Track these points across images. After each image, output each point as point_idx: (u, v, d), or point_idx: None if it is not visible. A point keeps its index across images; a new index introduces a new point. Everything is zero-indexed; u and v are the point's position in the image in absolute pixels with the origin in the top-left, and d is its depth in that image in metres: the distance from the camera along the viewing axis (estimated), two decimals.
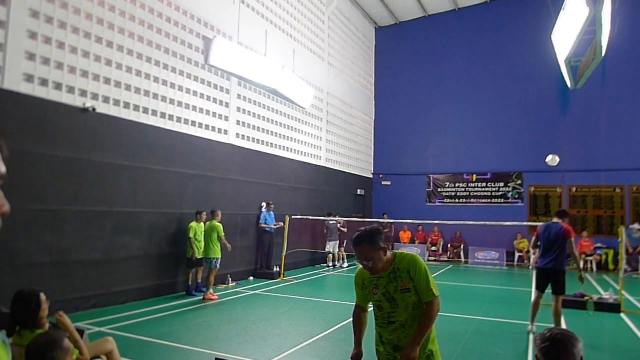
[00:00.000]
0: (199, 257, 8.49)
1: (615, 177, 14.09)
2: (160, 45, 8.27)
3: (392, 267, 2.45)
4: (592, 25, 7.20)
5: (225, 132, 10.00)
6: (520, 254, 14.73)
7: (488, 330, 6.47)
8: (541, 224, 6.63)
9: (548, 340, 1.81)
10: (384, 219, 15.73)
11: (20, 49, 6.06)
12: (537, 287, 6.29)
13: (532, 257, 14.14)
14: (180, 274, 8.68)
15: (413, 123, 17.29)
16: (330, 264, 13.36)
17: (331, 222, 13.09)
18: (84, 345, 3.12)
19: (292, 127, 12.67)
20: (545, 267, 6.11)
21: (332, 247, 13.22)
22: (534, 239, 6.51)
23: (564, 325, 6.63)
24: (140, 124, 7.85)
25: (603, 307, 7.71)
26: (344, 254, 13.78)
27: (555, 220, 6.32)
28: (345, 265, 13.58)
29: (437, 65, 17.06)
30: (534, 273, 6.54)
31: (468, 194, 16.30)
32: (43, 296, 2.97)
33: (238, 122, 10.43)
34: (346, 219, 13.59)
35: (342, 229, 13.39)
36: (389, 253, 2.47)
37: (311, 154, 13.68)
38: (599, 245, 13.86)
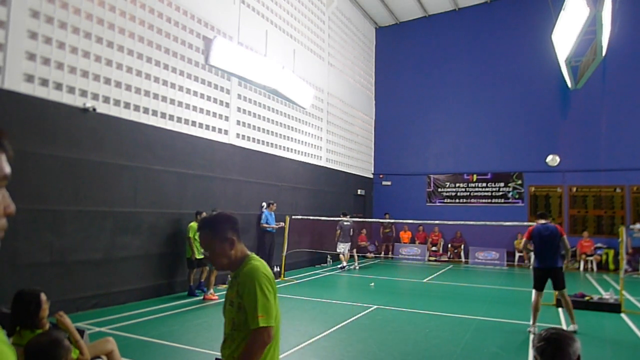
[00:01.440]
0: (198, 257, 8.48)
1: (615, 177, 14.08)
2: (160, 45, 8.27)
3: (238, 270, 2.07)
4: (592, 25, 7.20)
5: (226, 132, 10.00)
6: (521, 254, 14.73)
7: (488, 330, 6.46)
8: (532, 224, 6.82)
9: (543, 340, 1.84)
10: (385, 218, 15.71)
11: (20, 49, 6.06)
12: (537, 288, 6.45)
13: (533, 257, 14.16)
14: (180, 274, 8.68)
15: (413, 123, 17.29)
16: (345, 264, 12.80)
17: (345, 223, 12.68)
18: (84, 345, 3.12)
19: (292, 127, 12.67)
20: (546, 266, 6.40)
21: (344, 248, 12.73)
22: (525, 240, 6.72)
23: (563, 325, 6.64)
24: (140, 124, 7.85)
25: (603, 307, 7.71)
26: (355, 254, 13.48)
27: (542, 221, 6.64)
28: (343, 265, 13.06)
29: (437, 65, 17.06)
30: (532, 273, 6.64)
31: (468, 194, 16.30)
32: (43, 296, 2.98)
33: (238, 122, 10.43)
34: (354, 219, 13.30)
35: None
36: (240, 251, 2.09)
37: (311, 154, 13.67)
38: (599, 245, 13.85)
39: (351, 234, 12.95)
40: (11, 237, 5.82)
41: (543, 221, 6.64)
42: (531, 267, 7.10)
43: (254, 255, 2.13)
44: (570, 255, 6.73)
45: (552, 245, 6.39)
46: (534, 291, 6.50)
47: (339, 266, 13.03)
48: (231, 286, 2.08)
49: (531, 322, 6.35)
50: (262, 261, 2.11)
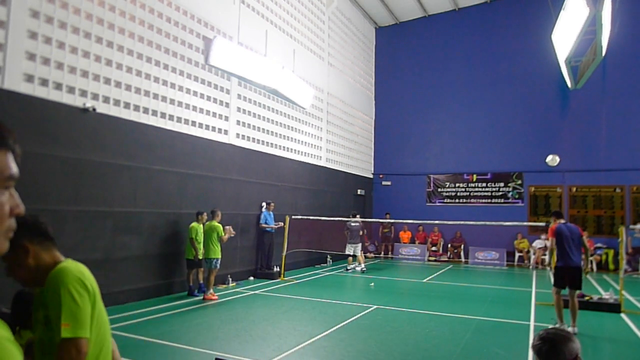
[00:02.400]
0: (200, 258, 8.48)
1: (615, 177, 14.09)
2: (160, 45, 8.27)
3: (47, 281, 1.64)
4: (592, 25, 7.21)
5: (225, 132, 10.00)
6: (520, 254, 14.73)
7: (488, 330, 6.47)
8: (552, 224, 6.81)
9: (540, 339, 1.89)
10: (386, 218, 15.72)
11: (20, 49, 6.06)
12: (561, 285, 6.48)
13: (533, 257, 14.18)
14: (180, 274, 8.67)
15: (413, 123, 17.29)
16: (350, 267, 12.61)
17: (353, 224, 12.52)
18: None
19: (292, 127, 12.67)
20: (572, 265, 6.43)
21: (353, 249, 12.51)
22: (553, 240, 6.58)
23: (563, 325, 6.64)
24: (140, 124, 7.85)
25: (603, 307, 7.71)
26: (362, 256, 13.05)
27: (562, 221, 6.72)
28: (359, 268, 12.65)
29: (437, 65, 17.06)
30: (553, 272, 6.74)
31: (468, 194, 16.30)
32: None
33: (238, 122, 10.43)
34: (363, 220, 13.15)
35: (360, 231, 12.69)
36: (46, 260, 1.68)
37: (311, 154, 13.68)
38: (599, 245, 13.86)
39: (361, 234, 12.84)
40: None
41: (562, 220, 6.73)
42: (546, 266, 7.12)
43: (68, 260, 1.72)
44: (589, 255, 6.80)
45: (577, 243, 6.49)
46: (554, 289, 6.51)
47: (355, 267, 12.58)
48: (41, 301, 1.66)
49: (560, 321, 6.38)
50: (78, 264, 1.71)
